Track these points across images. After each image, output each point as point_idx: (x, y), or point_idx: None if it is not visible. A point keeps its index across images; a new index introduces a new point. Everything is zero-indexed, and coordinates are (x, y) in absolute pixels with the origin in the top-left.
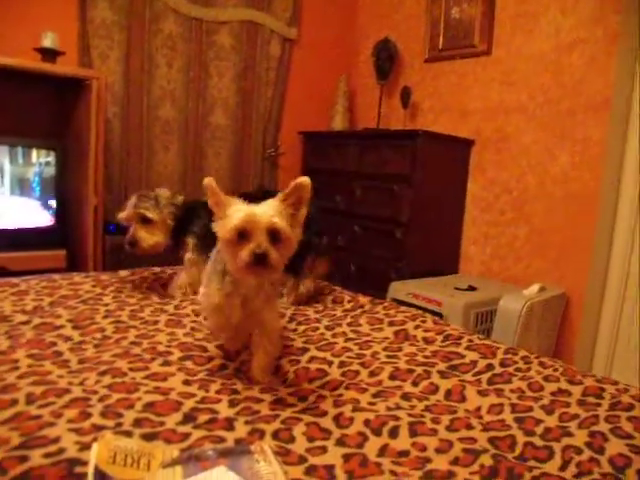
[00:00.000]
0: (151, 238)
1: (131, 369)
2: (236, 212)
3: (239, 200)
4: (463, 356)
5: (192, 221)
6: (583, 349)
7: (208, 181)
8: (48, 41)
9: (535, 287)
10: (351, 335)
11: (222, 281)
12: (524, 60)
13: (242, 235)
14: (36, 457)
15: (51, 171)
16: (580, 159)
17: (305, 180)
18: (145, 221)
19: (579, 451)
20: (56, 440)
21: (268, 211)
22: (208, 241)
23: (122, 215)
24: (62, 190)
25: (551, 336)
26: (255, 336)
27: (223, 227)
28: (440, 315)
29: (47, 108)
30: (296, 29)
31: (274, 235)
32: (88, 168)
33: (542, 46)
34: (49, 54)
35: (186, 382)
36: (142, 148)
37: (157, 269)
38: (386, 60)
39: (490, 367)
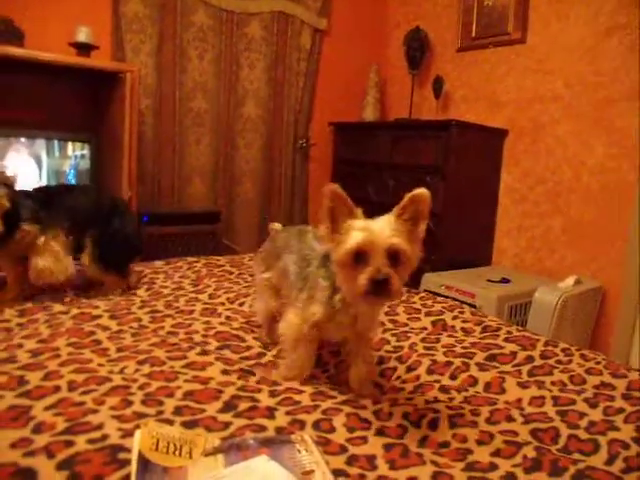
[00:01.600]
0: None
1: (169, 358)
2: (354, 230)
3: (360, 212)
4: (502, 347)
5: (18, 210)
6: (619, 344)
7: (334, 187)
8: (82, 36)
9: (571, 280)
10: (389, 325)
11: (329, 299)
12: (560, 47)
13: (359, 257)
14: (81, 442)
15: (86, 163)
16: (618, 149)
17: (423, 192)
18: None
19: (626, 446)
20: (99, 426)
21: (386, 230)
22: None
23: None
24: (97, 182)
25: (586, 330)
26: (352, 346)
27: (339, 246)
28: (474, 307)
29: (82, 101)
30: (326, 19)
31: (394, 256)
32: (122, 160)
33: (579, 32)
34: (83, 48)
35: (225, 372)
36: (174, 140)
37: (191, 258)
38: (417, 49)
39: (530, 359)
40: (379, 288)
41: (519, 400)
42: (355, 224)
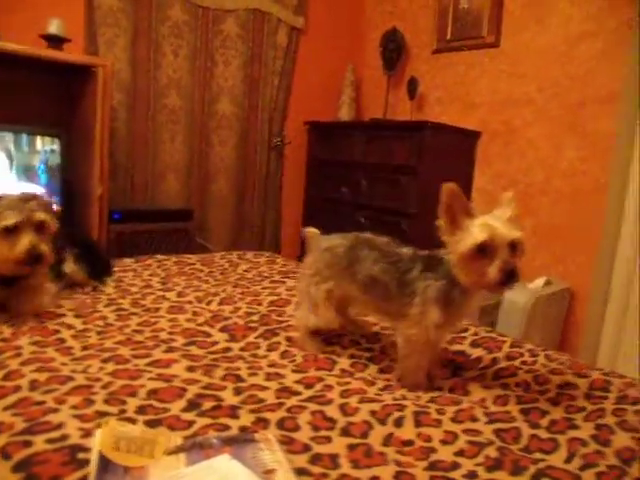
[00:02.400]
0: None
1: (134, 356)
2: (476, 226)
3: (475, 209)
4: (469, 355)
5: None
6: (587, 344)
7: (452, 186)
8: (54, 28)
9: (540, 281)
10: None
11: (446, 297)
12: (533, 52)
13: (482, 250)
14: (39, 442)
15: (56, 159)
16: (589, 153)
17: (510, 195)
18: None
19: (585, 443)
20: (59, 426)
21: (507, 224)
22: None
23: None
24: (67, 178)
25: (555, 330)
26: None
27: (461, 241)
28: None
29: (52, 95)
30: (303, 18)
31: (514, 248)
32: (93, 156)
33: (551, 37)
34: (55, 41)
35: (190, 368)
36: (148, 136)
37: (161, 256)
38: (393, 50)
39: (496, 361)
40: (509, 277)
41: (483, 400)
42: (476, 220)
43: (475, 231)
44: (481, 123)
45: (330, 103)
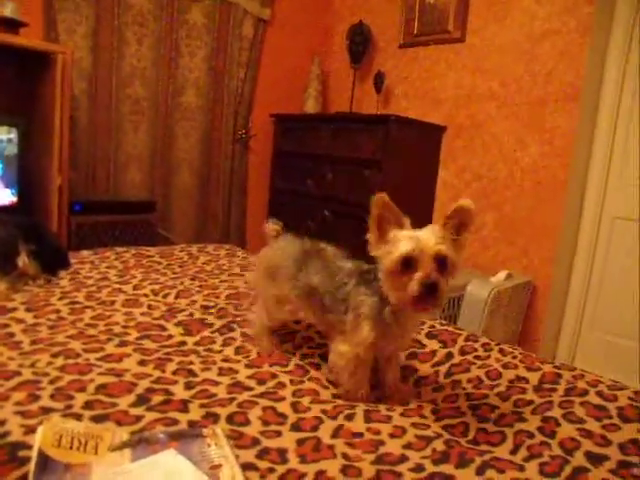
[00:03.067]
0: None
1: (85, 350)
2: (401, 239)
3: (407, 222)
4: (424, 345)
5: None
6: (548, 336)
7: (383, 196)
8: (9, 11)
9: (502, 274)
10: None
11: (378, 314)
12: (497, 48)
13: (407, 264)
14: None
15: (13, 148)
16: (549, 148)
17: (468, 203)
18: None
19: (531, 435)
20: (1, 423)
21: (433, 238)
22: None
23: None
24: (25, 168)
25: (517, 323)
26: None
27: (387, 254)
28: None
29: (9, 82)
30: (270, 10)
31: (440, 263)
32: (53, 146)
33: (515, 35)
34: (10, 25)
35: (142, 362)
36: (111, 126)
37: (120, 249)
38: (360, 44)
39: (449, 356)
40: (428, 292)
41: (433, 400)
42: (402, 233)
43: (400, 243)
44: (446, 118)
45: (296, 96)
